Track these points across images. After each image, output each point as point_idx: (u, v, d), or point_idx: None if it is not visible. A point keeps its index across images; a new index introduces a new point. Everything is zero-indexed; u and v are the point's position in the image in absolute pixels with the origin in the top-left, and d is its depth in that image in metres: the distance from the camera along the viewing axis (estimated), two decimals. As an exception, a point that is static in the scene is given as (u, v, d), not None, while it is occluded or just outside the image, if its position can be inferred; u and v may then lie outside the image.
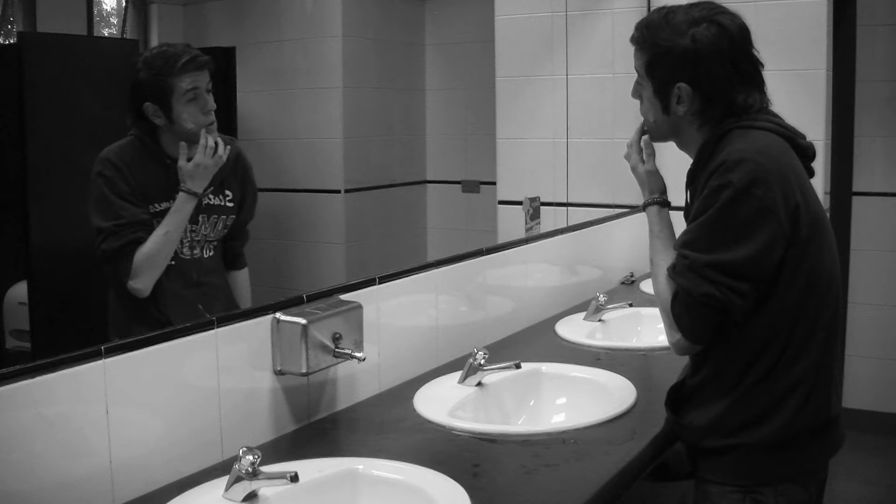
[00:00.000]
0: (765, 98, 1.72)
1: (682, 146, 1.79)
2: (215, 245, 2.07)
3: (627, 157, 1.93)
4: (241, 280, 2.21)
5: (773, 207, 1.57)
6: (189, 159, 1.93)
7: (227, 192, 2.06)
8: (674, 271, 1.66)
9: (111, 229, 1.87)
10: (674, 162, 1.94)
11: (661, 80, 1.73)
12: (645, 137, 1.88)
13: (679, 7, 1.72)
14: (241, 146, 2.17)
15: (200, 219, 2.01)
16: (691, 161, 1.76)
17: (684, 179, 1.78)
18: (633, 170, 1.91)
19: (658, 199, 1.85)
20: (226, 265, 2.14)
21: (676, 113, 1.73)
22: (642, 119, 1.84)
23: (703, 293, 1.59)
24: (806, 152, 1.73)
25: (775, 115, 1.73)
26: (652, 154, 1.89)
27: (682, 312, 1.64)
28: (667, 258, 1.73)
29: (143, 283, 1.88)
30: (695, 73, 1.68)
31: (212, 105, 1.97)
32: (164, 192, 1.92)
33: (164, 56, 1.93)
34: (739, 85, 1.67)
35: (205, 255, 2.04)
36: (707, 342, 1.67)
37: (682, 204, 1.79)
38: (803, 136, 1.74)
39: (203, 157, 1.92)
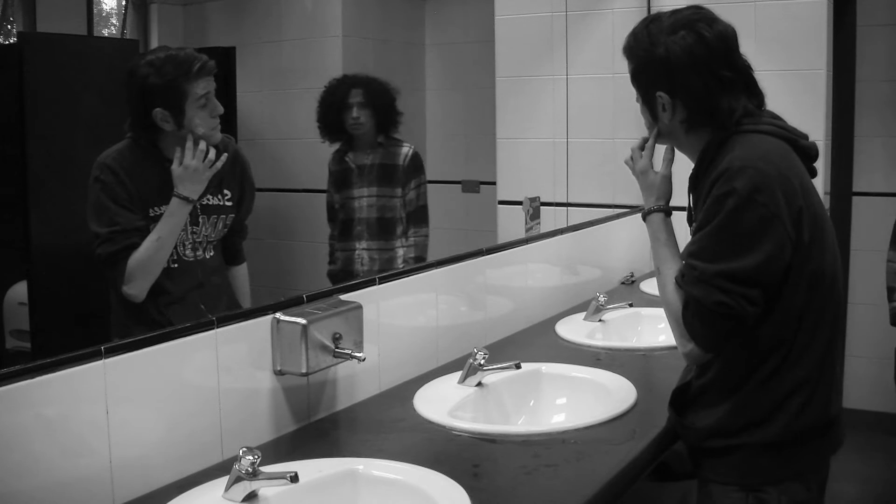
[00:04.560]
0: (755, 101, 1.71)
1: (681, 150, 1.80)
2: (216, 244, 2.07)
3: (632, 160, 1.90)
4: (241, 275, 2.21)
5: (777, 213, 1.57)
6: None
7: (226, 192, 2.06)
8: (682, 280, 1.66)
9: (107, 235, 1.87)
10: (674, 166, 1.92)
11: (644, 89, 1.76)
12: (669, 145, 1.86)
13: (664, 14, 1.73)
14: (241, 146, 2.17)
15: (201, 220, 2.00)
16: (693, 165, 1.76)
17: (684, 183, 1.79)
18: (643, 173, 1.86)
19: (664, 207, 1.84)
20: (225, 261, 2.14)
21: (663, 120, 1.74)
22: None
23: (715, 301, 1.59)
24: (808, 153, 1.73)
25: (776, 117, 1.73)
26: (670, 160, 1.86)
27: (694, 322, 1.64)
28: (674, 267, 1.73)
29: (136, 288, 1.88)
30: (671, 83, 1.69)
31: (220, 109, 1.97)
32: (162, 196, 1.91)
33: (175, 61, 1.91)
34: (719, 92, 1.66)
35: (207, 256, 2.04)
36: (720, 350, 1.67)
37: (685, 207, 1.80)
38: (805, 137, 1.74)
39: (191, 159, 1.90)
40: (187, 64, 1.91)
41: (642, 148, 1.88)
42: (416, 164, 2.94)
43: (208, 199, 2.02)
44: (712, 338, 1.64)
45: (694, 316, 1.63)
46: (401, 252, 2.90)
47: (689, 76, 1.67)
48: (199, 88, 1.92)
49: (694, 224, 1.70)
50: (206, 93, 1.93)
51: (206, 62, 1.94)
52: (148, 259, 1.89)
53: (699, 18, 1.69)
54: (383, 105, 2.90)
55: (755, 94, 1.72)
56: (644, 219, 1.86)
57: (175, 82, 1.90)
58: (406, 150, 2.92)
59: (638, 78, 1.76)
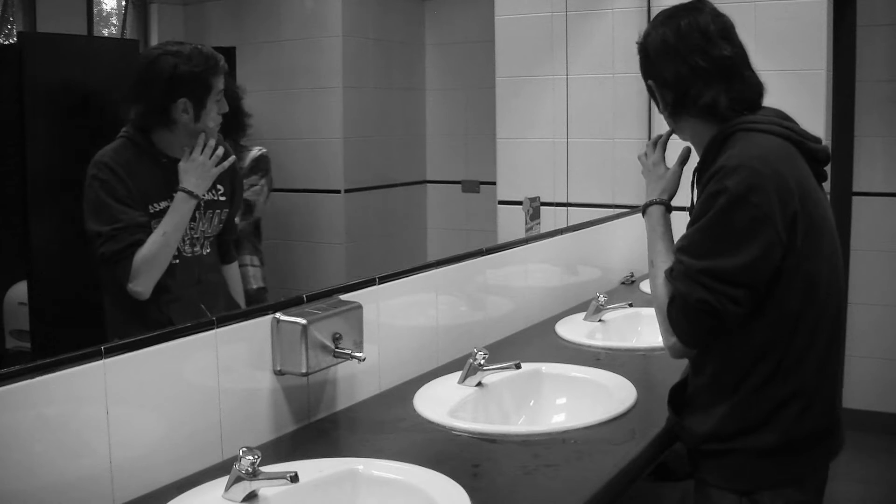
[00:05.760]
0: (738, 90, 1.70)
1: (692, 143, 1.81)
2: (212, 241, 2.07)
3: (645, 155, 1.94)
4: (233, 274, 2.21)
5: (769, 214, 1.56)
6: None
7: (219, 187, 2.06)
8: (671, 275, 1.67)
9: (109, 233, 1.86)
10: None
11: (643, 80, 1.82)
12: (687, 145, 1.87)
13: (667, 9, 1.78)
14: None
15: (197, 215, 2.00)
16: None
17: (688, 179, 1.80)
18: (655, 165, 1.91)
19: (666, 202, 1.86)
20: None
21: (660, 110, 1.79)
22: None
23: (698, 298, 1.59)
24: (816, 156, 1.72)
25: (786, 118, 1.73)
26: (685, 158, 1.89)
27: (678, 316, 1.64)
28: (667, 261, 1.74)
29: (142, 285, 1.88)
30: (652, 71, 1.77)
31: (226, 108, 2.00)
32: (161, 192, 1.92)
33: (203, 55, 1.94)
34: (691, 79, 1.69)
35: (204, 252, 2.04)
36: (702, 346, 1.67)
37: (685, 208, 1.80)
38: (816, 140, 1.74)
39: (199, 154, 1.92)
40: (214, 59, 1.95)
41: (656, 143, 1.93)
42: (262, 165, 2.44)
43: (203, 195, 2.01)
44: (694, 334, 1.64)
45: (678, 311, 1.64)
46: (251, 271, 2.43)
47: (662, 63, 1.73)
48: (220, 84, 1.96)
49: None
50: (222, 90, 1.97)
51: (224, 61, 1.98)
52: (154, 255, 1.88)
53: (688, 9, 1.74)
54: (229, 108, 2.38)
55: (735, 86, 1.70)
56: (644, 211, 1.88)
57: (205, 74, 1.93)
58: (254, 152, 2.45)
59: (639, 69, 1.82)
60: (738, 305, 1.59)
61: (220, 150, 1.95)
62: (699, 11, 1.73)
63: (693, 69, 1.69)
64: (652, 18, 1.81)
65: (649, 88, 1.80)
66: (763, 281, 1.59)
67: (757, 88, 1.73)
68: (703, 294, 1.59)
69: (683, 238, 1.67)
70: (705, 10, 1.73)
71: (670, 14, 1.74)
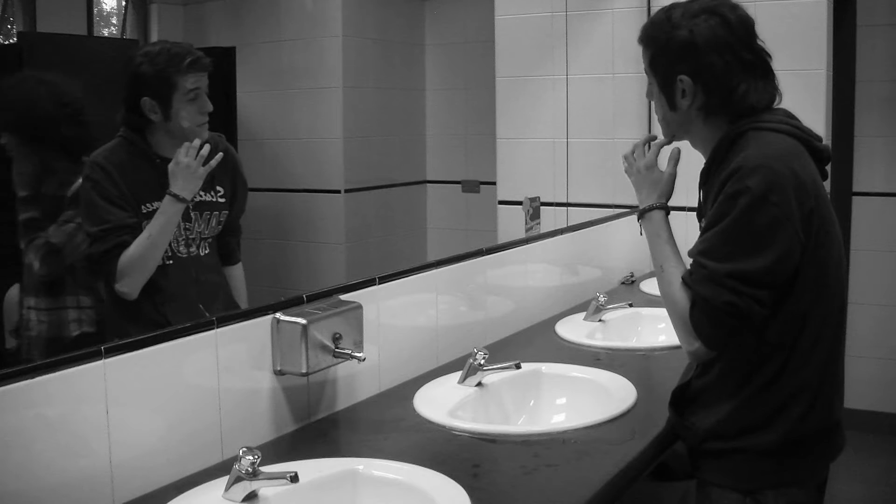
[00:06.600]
0: (771, 88, 1.71)
1: (694, 144, 1.78)
2: (211, 242, 2.06)
3: (633, 155, 1.88)
4: (237, 276, 2.21)
5: (789, 215, 1.56)
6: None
7: (219, 189, 2.05)
8: (691, 279, 1.65)
9: (97, 234, 1.86)
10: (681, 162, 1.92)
11: (663, 75, 1.74)
12: (677, 146, 1.85)
13: (680, 3, 1.73)
14: (241, 146, 2.17)
15: (193, 216, 2.00)
16: (703, 162, 1.76)
17: (691, 180, 1.78)
18: (649, 169, 1.85)
19: (665, 205, 1.83)
20: (220, 261, 2.14)
21: (682, 108, 1.73)
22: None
23: (725, 302, 1.58)
24: (821, 155, 1.72)
25: (792, 117, 1.72)
26: (677, 159, 1.85)
27: (702, 320, 1.62)
28: (678, 265, 1.72)
29: (128, 286, 1.87)
30: (694, 64, 1.68)
31: (209, 107, 1.97)
32: (154, 192, 1.91)
33: (170, 53, 1.93)
34: (741, 74, 1.67)
35: (201, 253, 2.04)
36: (722, 348, 1.66)
37: (683, 208, 1.79)
38: (820, 139, 1.73)
39: (185, 156, 1.89)
40: (180, 57, 1.92)
41: (645, 145, 1.88)
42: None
43: (200, 196, 2.00)
44: (718, 336, 1.63)
45: (702, 315, 1.62)
46: (73, 315, 1.99)
47: (711, 56, 1.66)
48: (188, 82, 1.92)
49: (703, 220, 1.69)
50: (196, 88, 1.94)
51: (200, 58, 1.95)
52: (139, 257, 1.87)
53: (721, 3, 1.70)
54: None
55: (771, 83, 1.71)
56: (641, 215, 1.84)
57: (165, 73, 1.91)
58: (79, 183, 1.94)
59: (657, 63, 1.75)
60: (763, 306, 1.58)
61: (206, 150, 1.91)
62: (734, 7, 1.70)
63: (742, 62, 1.66)
64: (665, 13, 1.73)
65: (673, 85, 1.71)
66: (785, 280, 1.59)
67: (778, 85, 1.74)
68: (731, 297, 1.57)
69: (702, 241, 1.64)
70: (738, 6, 1.71)
71: (706, 8, 1.68)
